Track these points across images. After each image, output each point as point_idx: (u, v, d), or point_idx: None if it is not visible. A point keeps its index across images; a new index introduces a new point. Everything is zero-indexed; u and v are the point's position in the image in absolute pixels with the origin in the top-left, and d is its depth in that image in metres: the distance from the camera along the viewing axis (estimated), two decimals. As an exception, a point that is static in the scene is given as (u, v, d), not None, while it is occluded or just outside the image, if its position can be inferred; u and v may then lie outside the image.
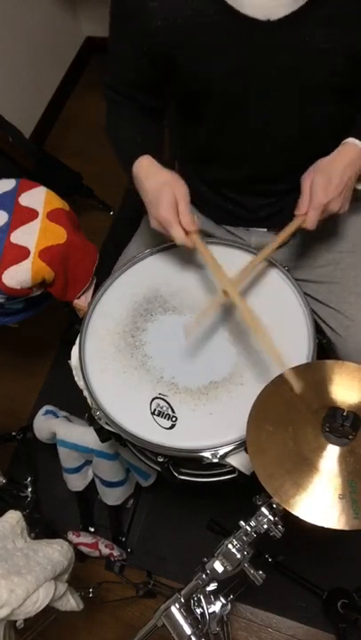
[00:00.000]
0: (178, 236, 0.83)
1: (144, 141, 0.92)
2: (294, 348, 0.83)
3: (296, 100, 0.80)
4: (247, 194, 0.98)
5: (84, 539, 1.36)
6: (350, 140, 0.82)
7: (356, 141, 0.81)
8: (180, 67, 0.78)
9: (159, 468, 0.87)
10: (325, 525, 0.58)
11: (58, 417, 1.43)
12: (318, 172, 0.81)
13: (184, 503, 1.43)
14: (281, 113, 0.82)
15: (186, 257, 0.98)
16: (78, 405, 1.18)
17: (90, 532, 1.42)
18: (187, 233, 0.84)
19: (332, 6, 0.69)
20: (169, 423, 0.80)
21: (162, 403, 0.82)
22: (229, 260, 0.96)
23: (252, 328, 0.81)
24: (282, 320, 0.87)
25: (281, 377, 0.70)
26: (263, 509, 0.68)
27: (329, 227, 0.99)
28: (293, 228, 0.84)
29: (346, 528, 0.57)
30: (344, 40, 0.72)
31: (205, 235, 1.08)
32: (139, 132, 0.93)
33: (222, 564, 0.68)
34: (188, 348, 0.87)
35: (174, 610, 0.67)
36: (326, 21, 0.70)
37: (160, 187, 0.84)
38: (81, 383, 0.89)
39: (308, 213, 0.82)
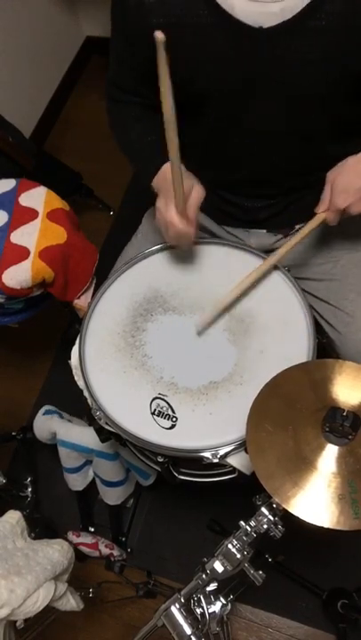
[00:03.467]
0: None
1: (154, 142, 0.91)
2: (294, 347, 0.83)
3: (289, 107, 0.79)
4: (246, 196, 0.98)
5: (84, 539, 1.36)
6: None
7: None
8: (174, 68, 0.78)
9: (159, 468, 0.87)
10: (325, 525, 0.58)
11: (58, 417, 1.43)
12: (341, 173, 0.80)
13: (184, 503, 1.43)
14: (275, 119, 0.81)
15: (186, 257, 0.98)
16: (78, 405, 1.18)
17: (90, 531, 1.42)
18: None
19: (324, 18, 0.68)
20: (169, 423, 0.80)
21: (162, 403, 0.82)
22: (231, 261, 0.97)
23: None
24: (282, 319, 0.87)
25: (280, 376, 0.71)
26: (263, 509, 0.68)
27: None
28: (315, 224, 0.85)
29: (345, 528, 0.57)
30: (336, 52, 0.71)
31: (209, 233, 1.08)
32: (146, 131, 0.93)
33: (222, 564, 0.68)
34: (188, 347, 0.87)
35: (174, 610, 0.67)
36: (319, 33, 0.69)
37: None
38: (81, 383, 0.89)
39: (327, 212, 0.83)
